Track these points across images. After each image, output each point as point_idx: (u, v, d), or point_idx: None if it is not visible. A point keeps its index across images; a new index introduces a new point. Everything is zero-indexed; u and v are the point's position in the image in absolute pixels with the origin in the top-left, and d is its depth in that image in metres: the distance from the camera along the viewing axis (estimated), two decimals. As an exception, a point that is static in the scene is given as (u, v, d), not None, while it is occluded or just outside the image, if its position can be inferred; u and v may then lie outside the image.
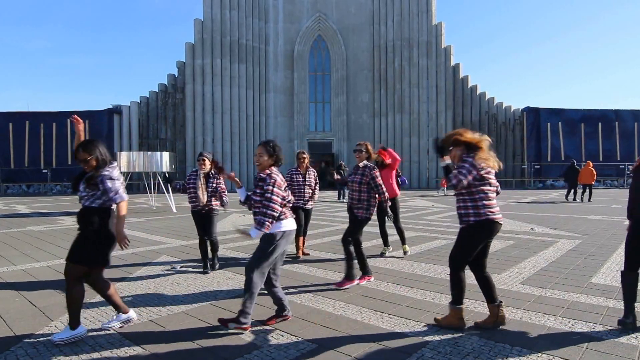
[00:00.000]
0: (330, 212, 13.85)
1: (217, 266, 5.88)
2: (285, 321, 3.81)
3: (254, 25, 33.11)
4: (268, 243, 3.56)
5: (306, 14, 34.14)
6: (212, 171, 5.66)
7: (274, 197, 3.50)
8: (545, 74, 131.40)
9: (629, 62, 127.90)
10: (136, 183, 28.07)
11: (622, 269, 3.63)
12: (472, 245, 3.56)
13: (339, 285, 4.87)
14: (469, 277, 3.75)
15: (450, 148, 3.64)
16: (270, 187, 3.51)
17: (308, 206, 6.72)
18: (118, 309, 3.67)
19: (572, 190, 18.26)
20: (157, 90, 31.44)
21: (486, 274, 3.67)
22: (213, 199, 5.67)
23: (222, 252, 7.19)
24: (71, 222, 11.53)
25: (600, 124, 31.55)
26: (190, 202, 5.73)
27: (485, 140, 3.60)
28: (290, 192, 3.90)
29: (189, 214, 5.82)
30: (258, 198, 3.61)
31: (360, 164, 5.14)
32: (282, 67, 34.14)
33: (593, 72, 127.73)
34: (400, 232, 6.79)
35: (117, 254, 6.94)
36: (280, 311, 3.79)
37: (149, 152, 17.18)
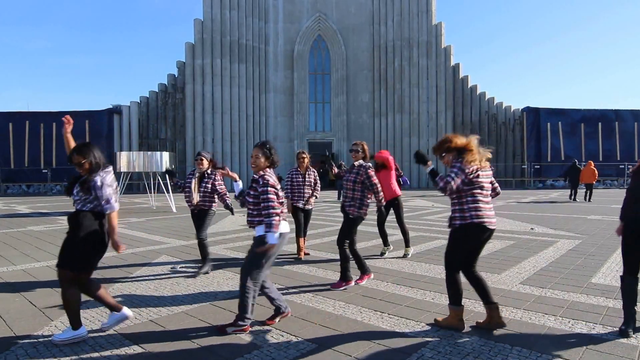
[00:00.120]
0: (330, 212, 13.85)
1: (205, 269, 5.59)
2: (285, 318, 3.81)
3: (254, 25, 33.11)
4: (259, 246, 3.54)
5: (306, 14, 34.14)
6: (208, 171, 5.64)
7: (271, 197, 3.50)
8: (545, 74, 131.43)
9: (629, 62, 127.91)
10: (136, 183, 28.07)
11: (622, 273, 3.58)
12: (460, 248, 3.58)
13: (335, 287, 4.87)
14: (459, 276, 3.74)
15: (443, 154, 3.65)
16: (265, 188, 3.52)
17: (308, 206, 6.71)
18: (111, 308, 3.65)
19: (573, 190, 18.31)
20: (157, 90, 31.43)
21: (476, 273, 3.64)
22: (207, 199, 5.60)
23: (222, 252, 7.19)
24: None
25: (600, 124, 31.56)
26: (186, 201, 5.74)
27: (473, 140, 3.59)
28: (284, 193, 3.90)
29: (188, 213, 5.82)
30: (251, 200, 3.62)
31: (356, 163, 5.13)
32: (282, 67, 34.14)
33: (593, 72, 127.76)
34: (404, 234, 6.74)
35: (117, 254, 6.93)
36: (278, 309, 3.80)
37: (149, 152, 17.19)
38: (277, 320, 3.78)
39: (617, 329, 3.47)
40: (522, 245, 7.37)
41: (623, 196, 3.66)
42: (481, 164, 3.56)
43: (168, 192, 16.25)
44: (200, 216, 5.65)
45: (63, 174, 29.74)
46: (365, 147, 5.26)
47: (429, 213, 13.40)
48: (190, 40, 31.51)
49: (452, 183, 3.42)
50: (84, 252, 3.34)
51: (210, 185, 5.58)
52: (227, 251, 7.27)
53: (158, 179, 17.38)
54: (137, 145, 30.29)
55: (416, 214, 13.21)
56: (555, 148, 31.54)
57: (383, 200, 5.21)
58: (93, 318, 3.93)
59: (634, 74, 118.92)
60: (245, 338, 3.44)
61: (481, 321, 3.69)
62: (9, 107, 69.81)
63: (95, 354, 3.15)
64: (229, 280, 5.32)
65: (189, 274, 5.61)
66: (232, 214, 6.00)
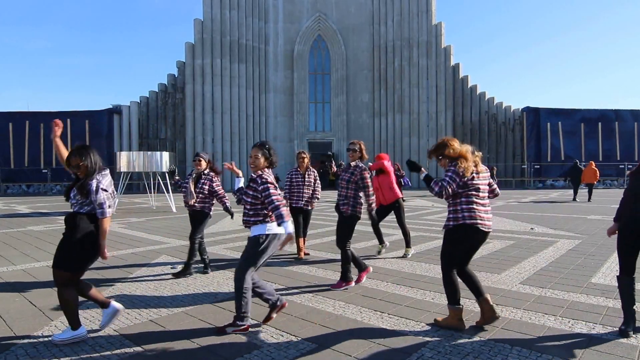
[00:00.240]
0: (330, 212, 13.83)
1: (179, 270, 5.52)
2: (285, 318, 3.78)
3: (254, 25, 33.11)
4: (255, 246, 3.55)
5: (306, 14, 34.14)
6: (205, 172, 5.63)
7: (272, 192, 3.49)
8: (545, 73, 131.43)
9: (629, 62, 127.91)
10: (136, 183, 28.08)
11: (618, 274, 3.59)
12: (453, 248, 3.61)
13: (335, 287, 4.87)
14: (456, 276, 3.75)
15: (440, 157, 3.68)
16: (265, 186, 3.51)
17: (307, 207, 6.69)
18: (102, 305, 3.64)
19: (574, 190, 18.39)
20: (157, 90, 31.44)
21: (465, 270, 3.68)
22: (203, 201, 5.56)
23: (222, 252, 7.19)
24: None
25: (600, 124, 31.57)
26: (183, 202, 5.74)
27: (467, 149, 3.60)
28: (282, 193, 3.90)
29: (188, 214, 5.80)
30: (249, 199, 3.61)
31: (352, 163, 5.12)
32: (282, 67, 34.14)
33: (593, 72, 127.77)
34: (405, 235, 6.73)
35: (117, 254, 6.94)
36: (273, 305, 3.74)
37: (149, 152, 17.20)
38: (274, 315, 3.74)
39: (617, 329, 3.47)
40: (522, 245, 7.38)
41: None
42: (477, 168, 3.59)
43: (168, 192, 16.25)
44: (194, 217, 5.63)
45: (63, 174, 29.73)
46: (363, 146, 5.25)
47: (429, 213, 13.40)
48: (190, 40, 31.52)
49: (448, 187, 3.48)
50: (79, 254, 3.34)
51: (207, 187, 5.55)
52: (227, 251, 7.27)
53: (158, 179, 17.37)
54: (137, 145, 30.30)
55: (416, 214, 13.21)
56: (555, 148, 31.55)
57: (374, 205, 5.16)
58: (93, 318, 3.93)
59: (634, 74, 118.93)
60: (245, 338, 3.44)
61: (479, 321, 3.71)
62: (9, 107, 69.81)
63: (95, 354, 3.15)
64: (229, 280, 5.32)
65: (190, 272, 5.60)
66: (232, 217, 5.95)
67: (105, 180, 3.43)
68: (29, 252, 7.27)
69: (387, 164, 6.76)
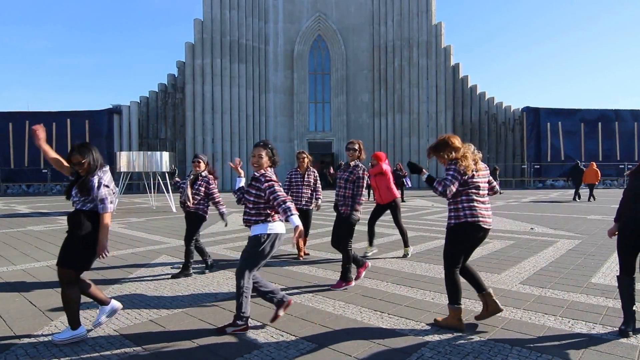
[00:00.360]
0: (330, 211, 13.82)
1: (188, 273, 5.49)
2: (285, 318, 3.76)
3: (254, 25, 33.11)
4: (256, 245, 3.53)
5: (306, 13, 34.14)
6: (202, 174, 5.63)
7: (277, 188, 3.49)
8: (545, 73, 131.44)
9: (629, 62, 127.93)
10: (136, 183, 28.08)
11: (618, 274, 3.59)
12: (456, 246, 3.61)
13: (335, 287, 4.87)
14: (459, 276, 3.75)
15: (440, 154, 3.68)
16: (269, 183, 3.51)
17: (308, 207, 6.66)
18: (101, 302, 3.65)
19: (575, 190, 18.48)
20: (157, 90, 31.43)
21: (467, 266, 3.72)
22: (198, 203, 5.54)
23: (222, 252, 7.19)
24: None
25: (600, 124, 31.57)
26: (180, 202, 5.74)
27: (469, 149, 3.63)
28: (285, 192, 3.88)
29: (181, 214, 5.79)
30: (251, 198, 3.60)
31: (352, 163, 5.11)
32: (282, 67, 34.14)
33: (593, 72, 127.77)
34: (402, 234, 6.73)
35: (117, 254, 6.94)
36: (279, 302, 3.68)
37: (149, 152, 17.19)
38: (280, 313, 3.66)
39: (617, 329, 3.47)
40: (522, 245, 7.38)
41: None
42: (477, 166, 3.61)
43: (168, 192, 16.25)
44: (189, 218, 5.60)
45: (63, 174, 29.59)
46: (362, 145, 5.24)
47: (429, 213, 13.40)
48: (190, 40, 31.52)
49: (452, 186, 3.47)
50: (84, 252, 3.34)
51: (203, 189, 5.54)
52: (227, 251, 7.28)
53: (158, 179, 17.37)
54: (137, 145, 30.29)
55: (416, 214, 13.21)
56: (555, 148, 31.55)
57: (359, 206, 5.04)
58: (93, 318, 3.92)
59: (634, 74, 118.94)
60: (245, 338, 3.44)
61: (478, 315, 3.72)
62: (9, 107, 69.80)
63: (95, 354, 3.15)
64: (229, 280, 5.32)
65: (189, 273, 5.60)
66: (225, 225, 5.90)
67: (106, 176, 3.45)
68: (29, 252, 7.27)
69: (386, 167, 6.72)
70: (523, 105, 32.68)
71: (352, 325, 3.70)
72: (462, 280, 3.69)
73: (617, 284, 3.59)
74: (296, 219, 3.34)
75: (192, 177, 5.65)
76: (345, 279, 4.91)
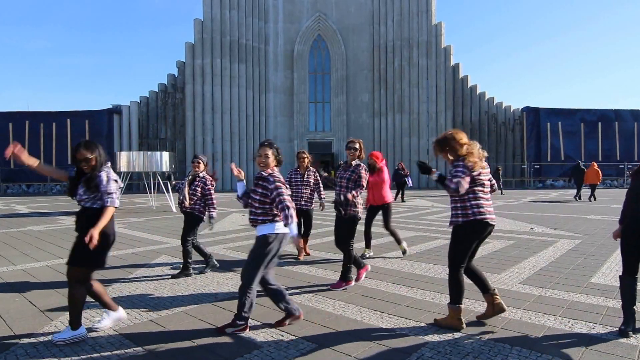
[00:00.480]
0: (330, 211, 13.85)
1: (188, 273, 5.48)
2: (298, 321, 3.73)
3: (254, 25, 33.11)
4: (263, 245, 3.53)
5: (306, 13, 34.14)
6: (200, 174, 5.63)
7: (283, 191, 3.49)
8: (545, 73, 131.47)
9: (629, 62, 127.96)
10: (136, 183, 28.08)
11: (621, 273, 3.59)
12: (464, 245, 3.59)
13: (335, 287, 4.87)
14: (463, 276, 3.75)
15: (447, 149, 3.64)
16: (278, 184, 3.51)
17: (308, 207, 6.65)
18: (108, 307, 3.65)
19: (576, 190, 18.60)
20: (157, 90, 31.44)
21: (472, 267, 3.71)
22: (196, 203, 5.54)
23: (222, 252, 7.19)
24: (71, 222, 11.52)
25: (600, 124, 31.57)
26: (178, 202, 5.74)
27: (475, 146, 3.61)
28: (290, 192, 3.89)
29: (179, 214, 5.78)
30: (258, 197, 3.58)
31: (354, 162, 5.08)
32: (282, 67, 34.14)
33: (593, 72, 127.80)
34: (392, 234, 6.71)
35: (117, 254, 6.94)
36: (290, 312, 3.69)
37: (149, 152, 17.20)
38: (287, 322, 3.68)
39: (617, 328, 3.47)
40: (522, 245, 7.37)
41: (623, 196, 3.66)
42: (481, 164, 3.61)
43: (168, 192, 16.25)
44: (186, 219, 5.61)
45: (63, 174, 29.70)
46: (362, 145, 5.23)
47: (429, 213, 13.40)
48: (190, 40, 31.52)
49: (464, 183, 3.42)
50: (98, 249, 3.33)
51: (199, 189, 5.54)
52: (227, 251, 7.28)
53: (158, 179, 17.38)
54: (137, 145, 30.31)
55: (416, 213, 13.21)
56: (555, 148, 31.55)
57: (360, 205, 5.05)
58: (93, 318, 3.93)
59: (634, 74, 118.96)
60: (245, 338, 3.44)
61: (481, 314, 3.72)
62: (9, 107, 69.79)
63: (95, 354, 3.15)
64: (229, 280, 5.32)
65: (189, 273, 5.60)
66: (210, 229, 5.78)
67: (112, 172, 3.49)
68: (29, 252, 7.27)
69: (386, 176, 6.65)
70: (523, 105, 32.72)
71: (352, 325, 3.70)
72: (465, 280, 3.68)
73: (617, 284, 3.60)
74: (294, 228, 3.36)
75: (190, 177, 5.66)
76: (345, 278, 4.91)
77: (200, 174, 5.63)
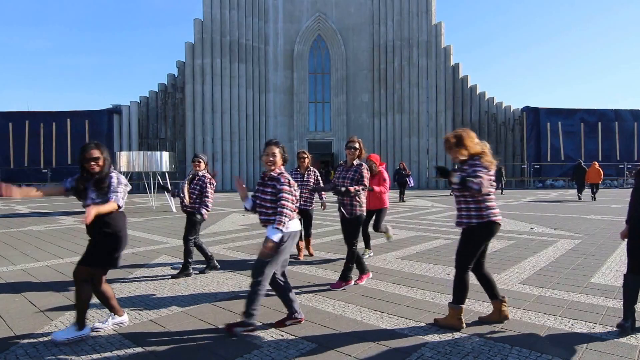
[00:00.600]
0: (330, 211, 13.83)
1: (188, 273, 5.49)
2: (298, 324, 3.72)
3: (254, 25, 33.12)
4: (279, 244, 3.52)
5: (306, 13, 34.14)
6: (199, 174, 5.63)
7: (289, 196, 3.49)
8: (545, 74, 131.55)
9: (629, 62, 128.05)
10: (136, 183, 28.07)
11: (624, 272, 3.59)
12: (476, 246, 3.57)
13: (335, 287, 4.86)
14: (472, 276, 3.74)
15: (462, 146, 3.57)
16: (286, 187, 3.51)
17: (308, 207, 6.64)
18: (114, 311, 3.67)
19: (578, 190, 18.79)
20: (157, 90, 31.45)
21: (485, 272, 3.71)
22: (196, 203, 5.54)
23: (222, 252, 7.19)
24: (71, 222, 11.53)
25: (600, 123, 31.58)
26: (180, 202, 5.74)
27: (485, 146, 3.61)
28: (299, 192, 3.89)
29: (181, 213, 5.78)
30: (269, 197, 3.56)
31: (355, 162, 5.06)
32: (282, 67, 34.15)
33: (593, 72, 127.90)
34: (368, 237, 6.70)
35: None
36: (292, 314, 3.70)
37: (149, 152, 17.20)
38: (288, 323, 3.69)
39: (617, 329, 3.47)
40: (522, 245, 7.38)
41: (623, 196, 3.66)
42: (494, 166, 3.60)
43: (168, 192, 16.23)
44: (189, 218, 5.61)
45: (63, 174, 29.71)
46: (362, 144, 5.20)
47: (429, 213, 13.41)
48: (190, 40, 31.53)
49: (485, 182, 3.37)
50: (115, 250, 3.42)
51: (199, 188, 5.55)
52: (227, 251, 7.28)
53: (158, 179, 17.38)
54: (137, 145, 30.33)
55: (416, 213, 13.21)
56: (555, 148, 31.56)
57: (363, 197, 5.02)
58: (93, 318, 3.93)
59: (634, 74, 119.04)
60: (245, 338, 3.44)
61: (484, 316, 3.73)
62: (9, 107, 69.82)
63: (95, 354, 3.15)
64: (229, 280, 5.32)
65: (189, 273, 5.60)
66: (198, 221, 5.59)
67: (122, 176, 3.53)
68: (29, 252, 7.27)
69: (386, 183, 6.63)
70: (523, 105, 32.71)
71: (352, 325, 3.70)
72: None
73: (617, 284, 3.61)
74: (273, 234, 3.36)
75: (190, 176, 5.67)
76: (345, 278, 4.90)
77: (200, 173, 5.63)
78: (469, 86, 32.45)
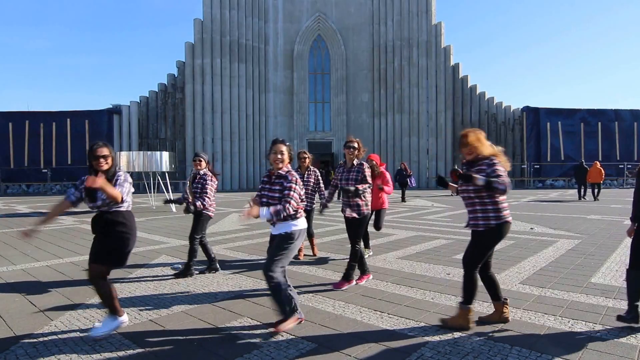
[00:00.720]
0: (330, 211, 13.83)
1: (190, 272, 5.51)
2: (298, 323, 3.71)
3: (254, 25, 33.12)
4: (290, 242, 3.58)
5: (306, 13, 34.14)
6: (201, 172, 5.64)
7: (295, 195, 3.53)
8: (545, 74, 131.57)
9: (629, 62, 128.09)
10: (136, 183, 28.06)
11: (627, 268, 3.66)
12: (490, 247, 3.58)
13: (337, 286, 4.86)
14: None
15: (478, 144, 3.55)
16: (293, 185, 3.55)
17: (308, 207, 6.64)
18: (114, 311, 3.66)
19: (579, 190, 18.84)
20: (157, 90, 31.44)
21: (491, 273, 3.71)
22: (199, 201, 5.56)
23: (222, 252, 7.19)
24: (71, 221, 11.52)
25: (600, 123, 31.57)
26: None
27: (500, 150, 3.63)
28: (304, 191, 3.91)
29: (188, 214, 5.79)
30: (277, 195, 3.58)
31: (355, 162, 5.05)
32: (282, 67, 34.15)
33: (593, 72, 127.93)
34: (378, 229, 6.81)
35: (117, 254, 6.93)
36: (293, 312, 3.67)
37: (149, 152, 17.22)
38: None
39: (617, 328, 3.49)
40: (522, 245, 7.38)
41: (623, 196, 3.69)
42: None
43: (168, 192, 16.28)
44: (195, 217, 5.64)
45: (63, 174, 29.78)
46: (360, 143, 5.20)
47: (429, 213, 13.41)
48: (190, 40, 31.52)
49: (508, 182, 3.37)
50: (127, 248, 3.54)
51: (200, 186, 5.57)
52: (227, 251, 7.28)
53: (158, 179, 17.39)
54: (137, 145, 30.32)
55: (416, 213, 13.21)
56: (554, 148, 31.55)
57: (367, 194, 5.04)
58: (93, 318, 3.93)
59: (634, 74, 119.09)
60: (245, 338, 3.44)
61: (484, 316, 3.73)
62: (9, 107, 69.84)
63: (95, 354, 3.15)
64: (229, 280, 5.32)
65: (191, 273, 5.60)
66: (185, 211, 5.52)
67: (128, 176, 3.64)
68: (29, 252, 7.27)
69: (390, 184, 6.65)
70: (523, 105, 32.71)
71: (352, 325, 3.70)
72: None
73: (617, 284, 3.63)
74: (265, 215, 3.39)
75: (192, 175, 5.69)
76: (347, 278, 4.91)
77: (202, 172, 5.64)
78: (469, 86, 32.45)
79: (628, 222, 3.73)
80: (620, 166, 31.03)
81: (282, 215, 3.47)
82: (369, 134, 33.84)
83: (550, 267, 5.74)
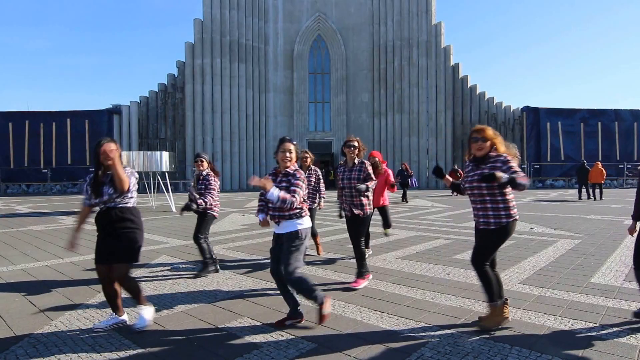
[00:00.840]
0: (331, 211, 13.84)
1: (209, 270, 5.56)
2: (299, 323, 3.73)
3: (254, 25, 33.12)
4: (298, 241, 3.60)
5: (306, 13, 34.15)
6: (203, 173, 5.64)
7: (301, 192, 3.57)
8: (545, 74, 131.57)
9: (629, 62, 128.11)
10: (136, 183, 28.10)
11: (633, 265, 3.77)
12: (499, 245, 3.58)
13: (355, 285, 4.87)
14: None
15: (494, 140, 3.57)
16: (300, 182, 3.60)
17: (311, 206, 6.63)
18: (117, 310, 3.69)
19: (579, 190, 18.92)
20: (157, 90, 31.44)
21: (495, 272, 3.70)
22: (201, 199, 5.58)
23: (222, 252, 7.19)
24: (71, 221, 11.53)
25: (599, 123, 31.58)
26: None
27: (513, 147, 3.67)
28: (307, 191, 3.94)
29: (188, 213, 5.79)
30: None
31: (357, 161, 5.05)
32: (282, 67, 34.15)
33: (593, 72, 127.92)
34: (367, 236, 6.56)
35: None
36: (294, 313, 3.72)
37: (149, 152, 17.22)
38: (288, 323, 3.70)
39: (617, 328, 3.49)
40: (522, 245, 7.38)
41: (623, 196, 3.71)
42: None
43: (168, 192, 16.27)
44: (199, 217, 5.67)
45: (63, 174, 29.79)
46: (360, 142, 5.19)
47: (429, 213, 13.41)
48: (190, 40, 31.53)
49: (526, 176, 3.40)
50: (141, 243, 3.61)
51: (203, 187, 5.58)
52: (227, 251, 7.28)
53: (158, 179, 17.39)
54: (137, 145, 30.33)
55: (416, 213, 13.21)
56: (554, 148, 31.56)
57: (371, 189, 5.06)
58: (93, 317, 3.93)
59: (634, 74, 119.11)
60: (245, 338, 3.44)
61: (484, 316, 3.72)
62: (9, 107, 69.86)
63: (95, 354, 3.15)
64: (229, 280, 5.32)
65: (190, 274, 5.61)
66: (186, 210, 5.41)
67: (134, 171, 3.71)
68: (29, 252, 7.27)
69: (390, 174, 6.69)
70: (523, 105, 32.70)
71: (352, 325, 3.70)
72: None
73: (617, 284, 3.66)
74: (272, 195, 3.42)
75: (195, 176, 5.71)
76: (362, 275, 4.97)
77: (204, 172, 5.65)
78: (468, 86, 32.45)
79: (628, 222, 3.74)
80: (620, 166, 31.04)
81: (286, 205, 3.48)
82: (369, 134, 33.83)
83: (550, 267, 5.74)
